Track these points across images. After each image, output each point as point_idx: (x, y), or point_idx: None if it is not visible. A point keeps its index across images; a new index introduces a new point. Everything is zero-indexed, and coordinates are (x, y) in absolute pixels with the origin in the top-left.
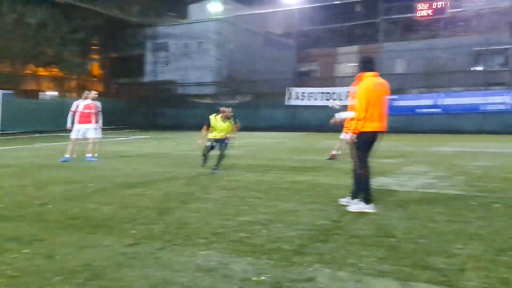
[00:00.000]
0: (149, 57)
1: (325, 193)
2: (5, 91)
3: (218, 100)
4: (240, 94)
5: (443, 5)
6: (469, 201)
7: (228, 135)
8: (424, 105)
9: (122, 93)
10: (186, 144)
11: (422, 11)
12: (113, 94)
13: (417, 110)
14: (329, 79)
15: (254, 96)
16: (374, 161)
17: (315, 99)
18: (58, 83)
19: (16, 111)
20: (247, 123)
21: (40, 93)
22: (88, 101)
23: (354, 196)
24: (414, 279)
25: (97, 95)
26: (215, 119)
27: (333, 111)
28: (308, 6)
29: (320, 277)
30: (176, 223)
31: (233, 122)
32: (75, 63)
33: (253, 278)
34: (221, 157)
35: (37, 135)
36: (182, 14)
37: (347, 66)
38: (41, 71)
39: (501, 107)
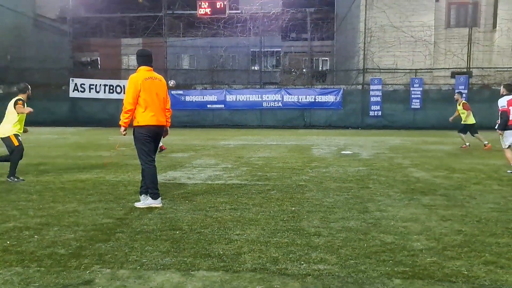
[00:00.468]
0: None
1: (111, 191)
2: None
3: None
4: (5, 84)
5: (222, 6)
6: (250, 189)
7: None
8: (210, 101)
9: None
10: None
11: (203, 9)
12: None
13: (205, 106)
14: (114, 71)
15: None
16: (165, 155)
17: (97, 92)
18: None
19: None
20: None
21: None
22: None
23: (143, 192)
24: (195, 268)
25: None
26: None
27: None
28: None
29: (99, 278)
30: None
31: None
32: None
33: None
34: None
35: None
36: None
37: (132, 59)
38: None
39: (274, 104)
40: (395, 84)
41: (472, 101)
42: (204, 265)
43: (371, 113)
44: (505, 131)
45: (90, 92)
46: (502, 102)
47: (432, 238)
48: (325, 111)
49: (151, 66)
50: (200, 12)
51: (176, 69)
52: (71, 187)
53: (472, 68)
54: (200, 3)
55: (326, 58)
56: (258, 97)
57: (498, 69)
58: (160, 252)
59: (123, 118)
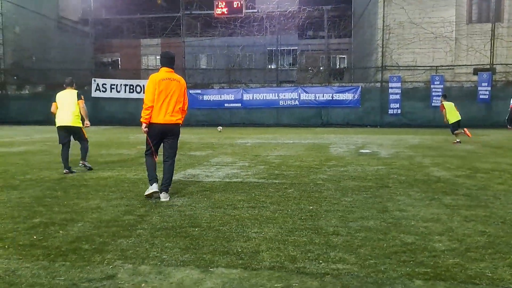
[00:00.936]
0: None
1: (132, 188)
2: None
3: (5, 90)
4: (30, 84)
5: (239, 5)
6: (268, 187)
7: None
8: (227, 100)
9: None
10: None
11: (220, 9)
12: None
13: (222, 105)
14: (134, 71)
15: (48, 86)
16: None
17: (118, 91)
18: None
19: None
20: (40, 117)
21: None
22: None
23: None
24: (214, 265)
25: None
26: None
27: None
28: None
29: (121, 273)
30: None
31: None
32: None
33: (45, 283)
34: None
35: None
36: None
37: (151, 59)
38: None
39: (291, 102)
40: (415, 82)
41: (496, 99)
42: (223, 262)
43: (390, 111)
44: None
45: (111, 92)
46: None
47: (454, 239)
48: (343, 109)
49: (172, 68)
50: (217, 12)
51: (193, 68)
52: (94, 184)
53: (496, 64)
54: (217, 3)
55: (343, 56)
56: (275, 96)
57: None
58: (179, 249)
59: (144, 115)
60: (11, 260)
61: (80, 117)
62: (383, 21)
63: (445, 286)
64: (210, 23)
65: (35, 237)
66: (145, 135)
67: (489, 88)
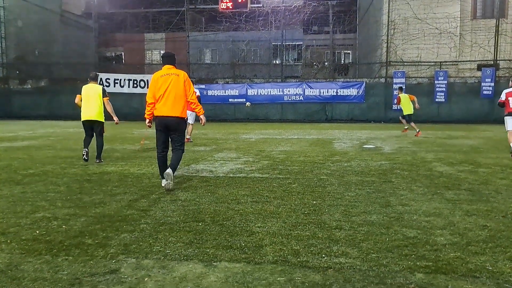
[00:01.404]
0: None
1: (136, 183)
2: None
3: (8, 84)
4: (33, 79)
5: (244, 0)
6: (271, 182)
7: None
8: (231, 95)
9: None
10: None
11: (225, 3)
12: None
13: (227, 100)
14: (138, 66)
15: (51, 81)
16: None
17: (122, 86)
18: None
19: None
20: (43, 112)
21: None
22: None
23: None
24: (218, 259)
25: None
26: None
27: None
28: None
29: (124, 267)
30: None
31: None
32: None
33: (48, 277)
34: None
35: None
36: None
37: (155, 53)
38: None
39: (296, 98)
40: (419, 77)
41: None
42: (226, 257)
43: (394, 107)
44: (506, 117)
45: (114, 86)
46: (502, 95)
47: (456, 233)
48: (347, 105)
49: (173, 64)
50: (221, 7)
51: (198, 63)
52: (97, 179)
53: (499, 60)
54: None
55: (348, 51)
56: (279, 91)
57: None
58: (183, 243)
59: (146, 111)
60: (14, 254)
61: (103, 112)
62: (388, 17)
63: (446, 279)
64: (214, 18)
65: (37, 231)
66: (152, 130)
67: (492, 84)
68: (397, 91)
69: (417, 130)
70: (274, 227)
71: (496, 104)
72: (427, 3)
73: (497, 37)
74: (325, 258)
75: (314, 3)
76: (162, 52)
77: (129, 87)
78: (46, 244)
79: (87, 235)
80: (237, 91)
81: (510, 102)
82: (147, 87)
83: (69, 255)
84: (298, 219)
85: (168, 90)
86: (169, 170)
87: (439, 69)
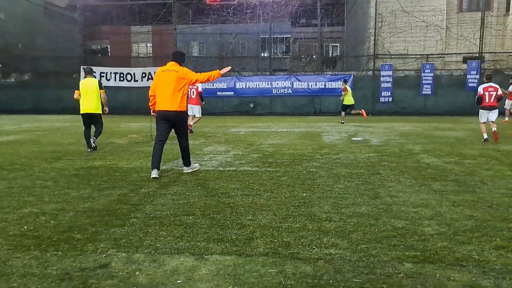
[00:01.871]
0: None
1: (124, 177)
2: None
3: None
4: (17, 72)
5: None
6: (261, 175)
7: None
8: (220, 88)
9: None
10: None
11: None
12: None
13: (215, 93)
14: (124, 59)
15: (35, 74)
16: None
17: (108, 79)
18: None
19: None
20: (28, 106)
21: None
22: None
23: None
24: (209, 252)
25: None
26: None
27: None
28: None
29: (115, 262)
30: None
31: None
32: None
33: (37, 272)
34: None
35: None
36: None
37: (142, 46)
38: None
39: (284, 91)
40: (406, 70)
41: None
42: (217, 250)
43: (382, 99)
44: (481, 110)
45: (101, 80)
46: (479, 89)
47: (443, 223)
48: (335, 98)
49: (178, 62)
50: None
51: (185, 56)
52: (85, 173)
53: (485, 53)
54: None
55: (336, 44)
56: (268, 84)
57: (511, 54)
58: (174, 237)
59: (149, 103)
60: (1, 250)
61: (100, 104)
62: (376, 10)
63: (434, 268)
64: (202, 10)
65: (25, 227)
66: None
67: (477, 76)
68: (341, 82)
69: (360, 111)
70: (265, 220)
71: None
72: None
73: (483, 30)
74: (316, 249)
75: None
76: (149, 45)
77: (115, 80)
78: (35, 239)
79: (76, 230)
80: (225, 84)
81: (486, 96)
82: (134, 80)
83: (58, 250)
84: (288, 211)
85: (166, 85)
86: (185, 169)
87: (425, 62)
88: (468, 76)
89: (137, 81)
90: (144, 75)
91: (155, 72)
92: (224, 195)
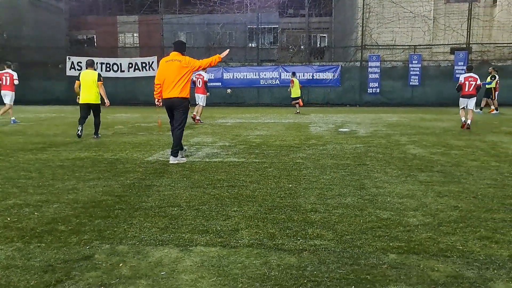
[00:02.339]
0: None
1: (110, 169)
2: None
3: None
4: (2, 63)
5: None
6: (248, 167)
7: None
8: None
9: None
10: None
11: None
12: None
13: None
14: (110, 49)
15: (21, 65)
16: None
17: (94, 69)
18: None
19: None
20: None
21: None
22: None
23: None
24: (193, 244)
25: None
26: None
27: None
28: None
29: (98, 253)
30: None
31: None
32: None
33: (20, 264)
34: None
35: None
36: None
37: (128, 36)
38: None
39: (272, 82)
40: (394, 61)
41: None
42: (202, 241)
43: (369, 90)
44: (461, 98)
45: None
46: (460, 78)
47: (428, 214)
48: (323, 89)
49: (180, 51)
50: None
51: (172, 46)
52: (70, 164)
53: (472, 43)
54: None
55: (324, 35)
56: (256, 75)
57: (498, 45)
58: (158, 229)
59: (154, 92)
60: None
61: (99, 95)
62: (363, 0)
63: (418, 259)
64: (189, 0)
65: (9, 219)
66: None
67: (465, 67)
68: (290, 74)
69: (298, 110)
70: (250, 211)
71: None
72: None
73: (470, 21)
74: (300, 240)
75: None
76: (135, 35)
77: (101, 70)
78: (18, 231)
79: (60, 222)
80: (213, 74)
81: (466, 85)
82: (120, 71)
83: (41, 242)
84: (274, 202)
85: (169, 74)
86: (171, 159)
87: (413, 53)
88: (456, 67)
89: (123, 71)
90: (130, 65)
91: (141, 62)
92: (210, 186)
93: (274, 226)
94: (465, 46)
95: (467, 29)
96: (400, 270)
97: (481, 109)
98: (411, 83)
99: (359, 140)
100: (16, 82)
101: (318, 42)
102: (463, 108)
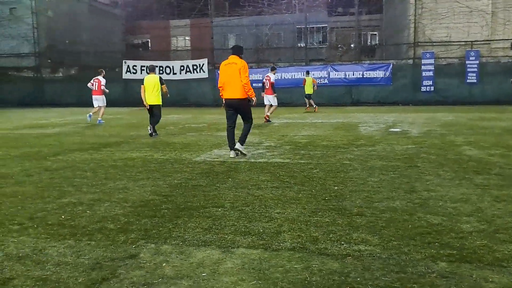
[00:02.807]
0: None
1: (159, 169)
2: None
3: (40, 73)
4: (64, 67)
5: None
6: (293, 168)
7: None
8: (255, 80)
9: None
10: (7, 123)
11: None
12: None
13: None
14: (164, 53)
15: (81, 68)
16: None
17: (148, 73)
18: None
19: None
20: (73, 99)
21: None
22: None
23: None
24: (235, 246)
25: None
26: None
27: None
28: None
29: (144, 253)
30: None
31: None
32: None
33: (70, 261)
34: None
35: None
36: None
37: (180, 40)
38: None
39: (320, 81)
40: (449, 58)
41: None
42: (244, 243)
43: (423, 89)
44: None
45: (141, 73)
46: None
47: (483, 219)
48: (374, 87)
49: (237, 55)
50: None
51: (222, 49)
52: (122, 164)
53: None
54: None
55: (374, 33)
56: (304, 75)
57: None
58: (202, 229)
59: (219, 93)
60: (39, 239)
61: (160, 96)
62: None
63: (471, 268)
64: (238, 2)
65: (63, 216)
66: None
67: None
68: (304, 73)
69: (314, 106)
70: (294, 213)
71: None
72: None
73: None
74: (344, 245)
75: None
76: (187, 38)
77: (155, 73)
78: (71, 228)
79: (109, 220)
80: (261, 75)
81: None
82: (173, 73)
83: (91, 240)
84: (318, 205)
85: (228, 77)
86: (237, 145)
87: (470, 49)
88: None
89: (175, 74)
90: (182, 68)
91: (192, 65)
92: (254, 187)
93: (317, 230)
94: None
95: None
96: (450, 279)
97: None
98: (468, 81)
99: (410, 141)
100: (103, 87)
101: (369, 40)
102: None
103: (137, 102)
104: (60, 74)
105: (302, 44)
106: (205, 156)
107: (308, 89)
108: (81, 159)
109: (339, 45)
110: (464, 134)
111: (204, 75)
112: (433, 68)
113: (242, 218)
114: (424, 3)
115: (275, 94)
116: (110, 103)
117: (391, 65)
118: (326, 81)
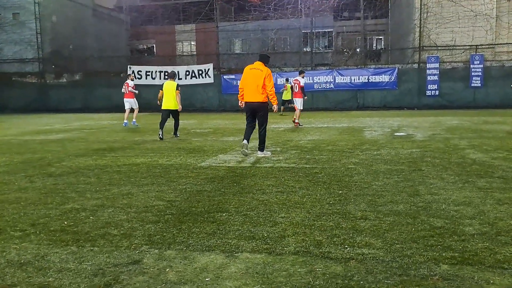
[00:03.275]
0: None
1: (163, 174)
2: None
3: (44, 79)
4: (68, 72)
5: None
6: (298, 172)
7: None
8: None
9: None
10: (11, 129)
11: None
12: None
13: None
14: (169, 58)
15: (85, 74)
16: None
17: (153, 78)
18: None
19: None
20: (78, 105)
21: None
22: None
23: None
24: (239, 250)
25: None
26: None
27: None
28: None
29: (147, 258)
30: None
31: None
32: None
33: (72, 267)
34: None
35: None
36: None
37: (186, 45)
38: None
39: (326, 86)
40: (454, 62)
41: None
42: (248, 247)
43: (428, 93)
44: None
45: (146, 78)
46: None
47: (485, 222)
48: (379, 92)
49: (263, 62)
50: None
51: (228, 53)
52: (127, 170)
53: None
54: None
55: (380, 37)
56: (309, 79)
57: None
58: (206, 234)
59: (238, 95)
60: (42, 245)
61: (178, 102)
62: (421, 0)
63: (472, 270)
64: (243, 7)
65: (66, 222)
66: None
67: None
68: (284, 80)
69: (282, 112)
70: (298, 218)
71: None
72: None
73: None
74: (348, 249)
75: None
76: (192, 43)
77: (160, 78)
78: (73, 234)
79: (113, 226)
80: None
81: None
82: (178, 78)
83: (94, 245)
84: (322, 209)
85: (251, 81)
86: (258, 153)
87: (474, 53)
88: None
89: (181, 79)
90: (187, 73)
91: (198, 70)
92: (259, 192)
93: (321, 234)
94: None
95: None
96: (452, 282)
97: None
98: (473, 85)
99: (415, 145)
100: (131, 89)
101: (374, 45)
102: None
103: (142, 107)
104: (65, 80)
105: (308, 49)
106: (210, 161)
107: (287, 95)
108: (85, 165)
109: (345, 50)
110: (468, 138)
111: (210, 80)
112: (438, 72)
113: (246, 222)
114: (430, 7)
115: (306, 97)
116: (115, 108)
117: (397, 69)
118: (332, 85)
